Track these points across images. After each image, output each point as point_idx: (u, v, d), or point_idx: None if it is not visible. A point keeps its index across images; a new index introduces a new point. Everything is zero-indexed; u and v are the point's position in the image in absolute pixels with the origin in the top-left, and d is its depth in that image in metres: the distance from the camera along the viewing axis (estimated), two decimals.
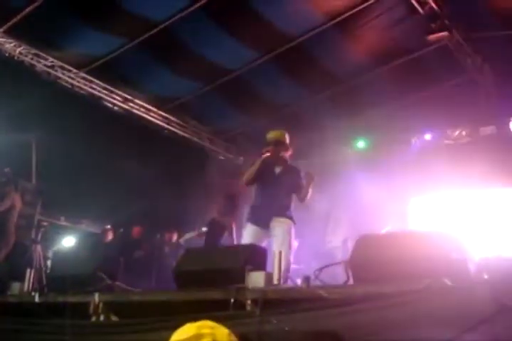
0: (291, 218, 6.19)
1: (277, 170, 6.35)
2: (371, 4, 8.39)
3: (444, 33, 8.18)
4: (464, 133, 10.70)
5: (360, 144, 11.72)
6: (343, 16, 8.66)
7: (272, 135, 6.46)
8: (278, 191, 6.20)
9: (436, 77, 9.76)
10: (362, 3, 8.41)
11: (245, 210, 7.10)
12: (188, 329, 2.54)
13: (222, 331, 2.55)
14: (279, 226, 6.08)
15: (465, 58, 9.04)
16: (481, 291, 2.92)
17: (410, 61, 9.44)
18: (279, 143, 6.37)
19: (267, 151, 6.26)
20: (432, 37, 8.25)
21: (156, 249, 10.25)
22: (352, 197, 10.72)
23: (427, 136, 11.03)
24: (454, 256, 3.38)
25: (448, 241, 3.56)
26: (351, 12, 8.55)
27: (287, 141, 6.45)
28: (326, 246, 10.87)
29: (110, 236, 11.26)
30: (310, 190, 6.24)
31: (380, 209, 9.80)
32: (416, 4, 8.10)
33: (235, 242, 8.36)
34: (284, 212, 6.19)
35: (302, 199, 6.26)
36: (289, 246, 5.99)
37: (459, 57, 9.00)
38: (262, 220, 6.14)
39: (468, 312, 2.89)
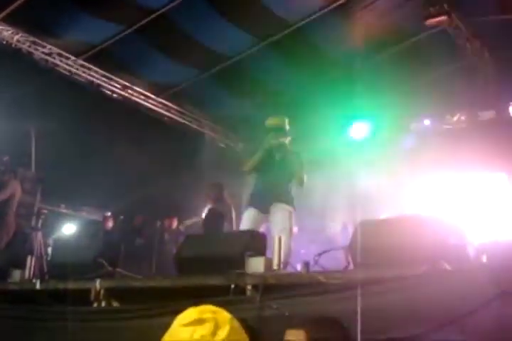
0: (291, 203, 6.20)
1: (277, 156, 6.36)
2: None
3: (443, 17, 8.14)
4: (462, 118, 10.69)
5: (359, 130, 11.70)
6: (341, 1, 8.63)
7: (271, 121, 6.47)
8: (278, 177, 6.22)
9: (435, 62, 9.73)
10: None
11: (244, 197, 7.12)
12: (190, 314, 2.57)
13: (224, 315, 2.57)
14: (279, 211, 6.10)
15: (464, 43, 9.01)
16: (479, 275, 2.94)
17: (409, 46, 9.42)
18: (279, 129, 6.38)
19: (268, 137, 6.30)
20: (430, 21, 8.21)
21: (156, 235, 10.26)
22: (350, 183, 10.73)
23: (426, 122, 11.02)
24: (453, 240, 3.39)
25: (446, 226, 3.57)
26: None
27: (287, 127, 6.46)
28: (326, 231, 10.90)
29: (110, 223, 11.30)
30: (304, 175, 6.26)
31: (378, 195, 9.82)
32: None
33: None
34: (284, 197, 6.20)
35: (299, 184, 6.28)
36: (290, 232, 6.01)
37: (457, 41, 8.97)
38: (262, 205, 6.15)
39: (467, 296, 2.90)
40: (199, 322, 2.51)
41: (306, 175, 6.26)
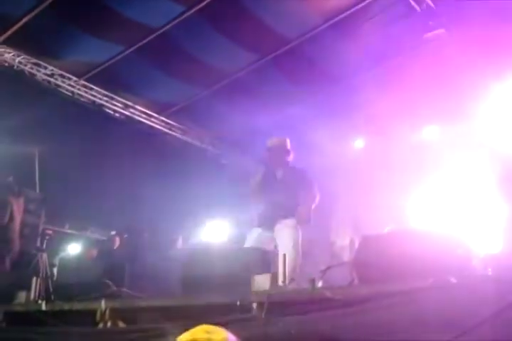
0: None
1: (279, 174, 6.40)
2: (368, 4, 8.40)
3: (441, 30, 8.18)
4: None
5: (359, 143, 11.73)
6: (340, 17, 8.67)
7: (271, 142, 6.54)
8: (281, 194, 6.22)
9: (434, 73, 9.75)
10: (358, 3, 8.42)
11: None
12: (185, 336, 2.56)
13: (219, 335, 2.55)
14: (283, 229, 6.10)
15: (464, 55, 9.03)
16: (485, 288, 2.93)
17: (406, 59, 9.44)
18: (279, 149, 6.44)
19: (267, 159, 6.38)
20: (429, 35, 8.26)
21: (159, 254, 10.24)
22: (354, 197, 10.71)
23: (429, 131, 11.02)
24: (458, 253, 3.38)
25: (451, 238, 3.57)
26: (348, 12, 8.57)
27: (288, 146, 6.52)
28: (332, 247, 10.86)
29: (117, 242, 11.27)
30: (313, 190, 6.29)
31: (382, 208, 9.79)
32: (413, 2, 8.12)
33: None
34: (288, 213, 6.20)
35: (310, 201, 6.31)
36: (296, 248, 5.98)
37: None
38: (266, 223, 6.17)
39: (472, 309, 2.89)
40: None
41: (316, 190, 6.30)
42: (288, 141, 6.56)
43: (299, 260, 6.01)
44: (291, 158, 6.54)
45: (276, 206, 6.20)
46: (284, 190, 6.23)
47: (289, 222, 6.15)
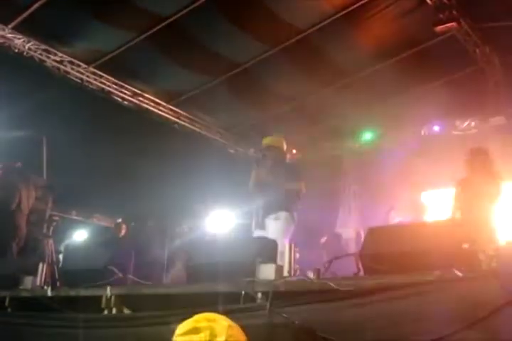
0: (285, 212, 6.23)
1: (272, 171, 6.42)
2: None
3: (453, 24, 8.14)
4: (472, 124, 10.66)
5: (368, 136, 11.72)
6: (351, 8, 8.63)
7: (266, 141, 6.58)
8: (270, 191, 6.23)
9: (444, 68, 9.71)
10: None
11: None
12: (187, 323, 2.56)
13: (221, 324, 2.55)
14: (271, 224, 6.16)
15: (473, 48, 9.01)
16: (490, 282, 2.93)
17: (419, 52, 9.41)
18: (274, 149, 6.47)
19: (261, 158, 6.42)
20: (440, 28, 8.21)
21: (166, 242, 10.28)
22: (361, 189, 10.71)
23: (436, 128, 11.00)
24: (465, 246, 3.38)
25: (458, 231, 3.56)
26: (360, 3, 8.53)
27: (284, 146, 6.57)
28: (337, 238, 10.88)
29: (124, 230, 11.30)
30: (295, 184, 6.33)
31: (389, 201, 9.80)
32: None
33: None
34: (276, 208, 6.23)
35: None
36: (284, 238, 6.01)
37: (467, 47, 8.96)
38: (259, 222, 6.23)
39: (478, 303, 2.89)
40: (194, 331, 2.50)
41: (300, 184, 6.33)
42: (283, 141, 6.61)
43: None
44: (287, 156, 6.59)
45: (268, 204, 6.23)
46: (273, 185, 6.25)
47: (276, 216, 6.19)
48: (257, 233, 6.26)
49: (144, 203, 10.64)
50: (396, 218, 9.08)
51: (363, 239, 3.97)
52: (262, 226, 6.23)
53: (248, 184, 6.55)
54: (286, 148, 6.70)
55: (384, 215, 9.34)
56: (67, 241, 10.61)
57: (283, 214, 6.21)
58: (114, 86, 10.71)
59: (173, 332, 2.62)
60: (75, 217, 12.19)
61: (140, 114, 11.22)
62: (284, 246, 5.64)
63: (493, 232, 3.84)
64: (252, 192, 6.52)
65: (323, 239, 10.57)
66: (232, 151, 13.08)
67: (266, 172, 6.40)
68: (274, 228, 6.11)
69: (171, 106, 11.56)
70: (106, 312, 4.53)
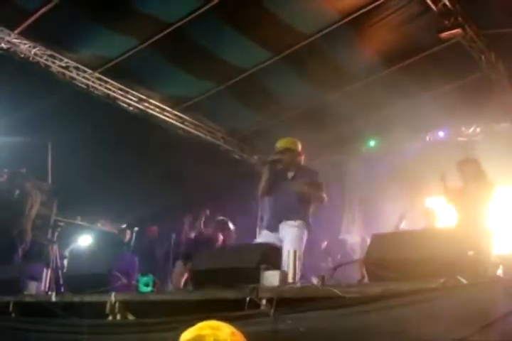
0: (302, 220, 6.14)
1: (289, 175, 6.36)
2: (384, 2, 8.36)
3: (458, 30, 8.13)
4: (478, 130, 10.66)
5: (373, 142, 11.71)
6: (356, 14, 8.63)
7: (281, 143, 6.47)
8: (289, 195, 6.16)
9: (450, 74, 9.70)
10: (375, 1, 8.38)
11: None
12: (191, 331, 2.55)
13: (224, 331, 2.54)
14: (287, 229, 6.06)
15: (479, 55, 8.98)
16: (495, 289, 2.92)
17: (424, 58, 9.40)
18: (289, 151, 6.38)
19: (276, 161, 6.33)
20: (445, 34, 8.20)
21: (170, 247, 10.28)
22: (366, 196, 10.70)
23: (441, 133, 11.00)
24: (470, 253, 3.37)
25: (463, 238, 3.55)
26: (364, 10, 8.52)
27: (298, 147, 6.46)
28: (342, 244, 10.87)
29: (128, 235, 11.31)
30: (318, 194, 6.24)
31: (394, 207, 9.77)
32: (429, 1, 8.07)
33: None
34: (294, 215, 6.14)
35: (318, 201, 6.29)
36: (298, 247, 5.94)
37: (472, 54, 8.95)
38: (272, 224, 6.15)
39: (482, 310, 2.89)
40: (198, 339, 2.49)
41: (323, 192, 6.24)
42: (298, 142, 6.51)
43: (302, 259, 5.99)
44: (302, 159, 6.49)
45: (284, 207, 6.15)
46: (292, 191, 6.18)
47: (294, 223, 6.10)
48: (265, 234, 6.18)
49: (148, 208, 10.64)
50: (405, 225, 9.05)
51: (367, 245, 3.95)
52: (274, 228, 6.14)
53: (257, 187, 6.48)
54: (301, 151, 6.58)
55: (389, 222, 9.31)
56: (71, 247, 10.62)
57: (301, 223, 6.11)
58: (120, 92, 10.73)
59: (177, 338, 2.61)
60: (80, 223, 12.20)
61: (145, 119, 11.25)
62: (300, 254, 5.65)
63: (493, 238, 3.81)
64: (263, 194, 6.46)
65: (324, 244, 10.58)
66: (236, 157, 13.08)
67: (280, 176, 6.34)
68: (291, 236, 6.01)
69: (176, 112, 11.57)
70: (110, 318, 4.53)
